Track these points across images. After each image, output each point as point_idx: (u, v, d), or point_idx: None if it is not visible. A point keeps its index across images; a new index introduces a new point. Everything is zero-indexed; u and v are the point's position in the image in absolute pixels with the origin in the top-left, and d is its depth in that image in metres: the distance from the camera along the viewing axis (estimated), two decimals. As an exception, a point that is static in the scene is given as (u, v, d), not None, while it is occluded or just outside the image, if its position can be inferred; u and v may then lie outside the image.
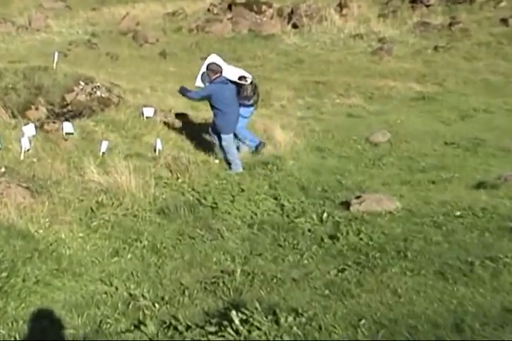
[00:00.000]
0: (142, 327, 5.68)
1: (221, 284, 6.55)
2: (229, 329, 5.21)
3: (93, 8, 34.83)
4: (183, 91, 11.58)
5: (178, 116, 14.12)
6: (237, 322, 5.26)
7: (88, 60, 24.23)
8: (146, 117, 13.23)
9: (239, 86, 11.43)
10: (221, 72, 11.18)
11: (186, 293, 6.45)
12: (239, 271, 6.81)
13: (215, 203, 9.19)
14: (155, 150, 11.45)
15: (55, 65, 14.26)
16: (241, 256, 7.40)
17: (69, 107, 13.32)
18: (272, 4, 30.02)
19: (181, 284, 6.71)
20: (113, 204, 9.08)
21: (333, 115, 17.28)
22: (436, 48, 25.50)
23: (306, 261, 7.14)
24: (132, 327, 5.77)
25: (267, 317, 5.34)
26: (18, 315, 6.11)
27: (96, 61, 24.75)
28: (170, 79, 20.58)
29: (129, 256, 7.60)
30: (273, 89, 19.96)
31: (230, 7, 30.14)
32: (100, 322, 5.96)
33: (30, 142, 10.60)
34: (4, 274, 6.71)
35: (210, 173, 10.83)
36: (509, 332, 4.99)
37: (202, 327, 5.46)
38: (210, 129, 11.81)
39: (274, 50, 26.97)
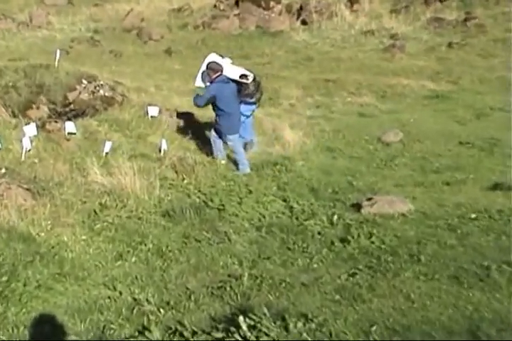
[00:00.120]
0: (147, 333, 5.68)
1: (228, 289, 6.55)
2: (236, 336, 5.22)
3: (96, 4, 34.82)
4: (194, 101, 11.58)
5: (183, 115, 14.12)
6: (244, 328, 5.26)
7: (91, 58, 24.23)
8: (151, 116, 13.24)
9: (240, 84, 11.44)
10: (222, 71, 11.20)
11: (192, 297, 6.46)
12: (246, 275, 6.82)
13: (222, 205, 9.19)
14: (160, 151, 11.46)
15: (56, 62, 14.27)
16: (249, 260, 7.40)
17: (71, 106, 13.33)
18: (281, 0, 29.99)
19: (187, 289, 6.72)
20: (117, 206, 9.10)
21: (343, 114, 17.26)
22: (450, 45, 25.40)
23: (315, 265, 7.14)
24: (136, 333, 5.78)
25: (275, 322, 5.35)
26: (18, 320, 6.13)
27: (99, 59, 24.76)
28: (175, 77, 20.61)
29: (134, 259, 7.61)
30: (281, 87, 19.94)
31: (237, 3, 30.09)
32: (104, 327, 5.97)
33: (31, 142, 10.63)
34: (5, 278, 6.74)
35: (216, 174, 10.83)
36: (527, 339, 4.98)
37: (208, 333, 5.46)
38: (212, 131, 11.79)
39: (282, 47, 26.92)
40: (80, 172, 10.12)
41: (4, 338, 5.79)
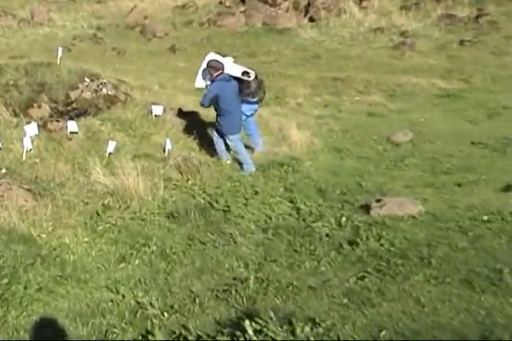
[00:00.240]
0: (150, 337, 5.70)
1: (234, 292, 6.55)
2: (242, 340, 5.21)
3: (98, 0, 34.93)
4: (200, 101, 11.58)
5: (188, 114, 14.13)
6: (250, 332, 5.27)
7: (93, 56, 24.30)
8: (155, 115, 13.25)
9: (242, 82, 11.43)
10: (223, 69, 11.18)
11: (197, 301, 6.46)
12: (252, 278, 6.82)
13: (228, 206, 9.19)
14: (164, 151, 11.47)
15: (58, 60, 14.29)
16: (255, 263, 7.41)
17: (73, 105, 13.34)
18: (288, -4, 30.03)
19: (192, 292, 6.73)
20: (120, 207, 9.11)
21: (352, 113, 17.26)
22: (462, 42, 25.40)
23: (323, 268, 7.14)
24: (140, 337, 5.80)
25: (282, 327, 5.35)
26: (19, 324, 6.14)
27: (102, 56, 24.82)
28: (180, 75, 20.61)
29: (137, 262, 7.62)
30: (288, 86, 19.97)
31: (243, -1, 30.18)
32: (106, 331, 5.98)
33: (32, 142, 10.65)
34: (5, 281, 6.75)
35: (222, 175, 10.83)
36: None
37: (213, 338, 5.47)
38: (214, 131, 11.77)
39: (289, 45, 26.94)
40: (82, 172, 10.13)
41: (5, 342, 5.81)
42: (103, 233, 8.31)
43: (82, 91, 13.54)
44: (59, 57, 14.29)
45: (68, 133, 11.44)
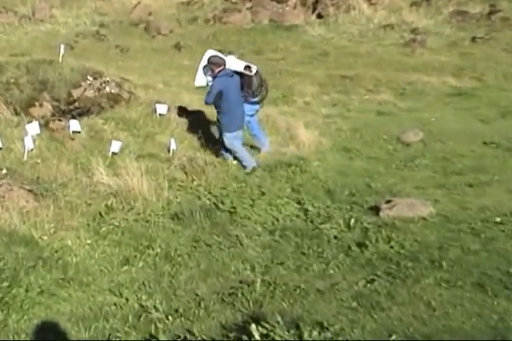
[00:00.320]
0: (154, 342, 5.70)
1: (240, 295, 6.55)
2: (248, 344, 5.22)
3: (101, -4, 35.02)
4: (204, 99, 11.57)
5: (193, 113, 14.13)
6: (257, 336, 5.26)
7: (96, 53, 24.35)
8: (159, 114, 13.26)
9: (243, 78, 11.41)
10: (224, 65, 11.18)
11: (202, 304, 6.47)
12: (259, 281, 6.82)
13: (234, 207, 9.19)
14: (169, 151, 11.48)
15: (60, 58, 14.33)
16: (261, 265, 7.41)
17: (76, 104, 13.38)
18: (295, -8, 30.02)
19: (197, 295, 6.73)
20: (123, 208, 9.12)
21: (361, 112, 17.24)
22: (474, 39, 25.35)
23: (331, 271, 7.13)
24: (143, 342, 5.80)
25: (289, 331, 5.34)
26: (20, 328, 6.16)
27: (105, 54, 24.87)
28: (184, 73, 20.59)
29: (141, 264, 7.63)
30: (296, 84, 19.97)
31: (249, -5, 30.19)
32: (109, 335, 5.99)
33: (34, 141, 10.68)
34: (6, 284, 6.77)
35: (227, 175, 10.83)
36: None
37: (219, 342, 5.47)
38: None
39: (297, 42, 26.93)
40: (84, 172, 10.15)
41: (5, 346, 5.82)
42: (106, 235, 8.33)
43: (84, 89, 13.57)
44: (61, 55, 14.33)
45: (71, 132, 11.47)
